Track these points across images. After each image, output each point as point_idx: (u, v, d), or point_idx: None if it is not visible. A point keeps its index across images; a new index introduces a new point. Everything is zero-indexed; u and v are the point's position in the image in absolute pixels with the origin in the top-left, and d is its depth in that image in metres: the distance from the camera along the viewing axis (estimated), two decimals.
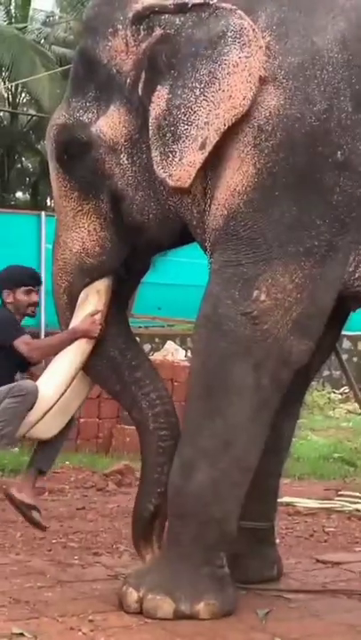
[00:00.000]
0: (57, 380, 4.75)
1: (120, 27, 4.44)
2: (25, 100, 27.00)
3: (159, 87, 4.28)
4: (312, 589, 4.80)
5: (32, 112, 25.22)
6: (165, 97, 4.25)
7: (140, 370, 4.75)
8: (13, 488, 4.99)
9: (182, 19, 4.30)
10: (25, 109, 26.64)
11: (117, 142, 4.47)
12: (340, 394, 12.89)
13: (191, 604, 4.20)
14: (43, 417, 4.76)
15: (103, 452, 8.60)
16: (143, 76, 4.32)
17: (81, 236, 4.64)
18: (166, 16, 4.34)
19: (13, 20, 26.60)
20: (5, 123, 26.58)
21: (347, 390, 13.31)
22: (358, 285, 4.26)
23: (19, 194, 29.73)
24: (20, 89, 25.73)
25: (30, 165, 28.74)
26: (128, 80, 4.41)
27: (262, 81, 4.12)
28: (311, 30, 4.16)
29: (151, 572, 4.37)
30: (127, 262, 4.71)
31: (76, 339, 4.72)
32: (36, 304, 5.29)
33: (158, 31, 4.32)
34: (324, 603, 4.61)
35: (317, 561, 5.38)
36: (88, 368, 4.78)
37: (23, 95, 26.65)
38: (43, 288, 5.51)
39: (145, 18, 4.38)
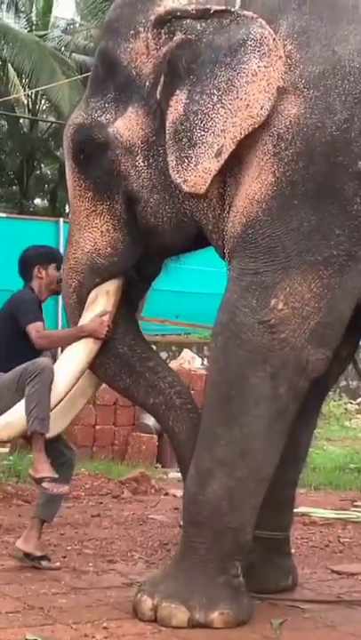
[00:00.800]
0: (63, 379, 4.76)
1: (141, 29, 4.44)
2: (45, 107, 27.08)
3: (178, 91, 4.29)
4: (327, 600, 4.78)
5: (52, 119, 25.28)
6: (183, 102, 4.26)
7: (151, 360, 4.77)
8: (20, 541, 5.09)
9: (204, 24, 4.30)
10: (44, 116, 26.72)
11: (134, 144, 4.47)
12: (357, 404, 12.89)
13: (206, 612, 4.19)
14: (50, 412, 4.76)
15: (119, 460, 8.62)
16: (162, 79, 4.33)
17: (93, 236, 4.65)
18: (188, 21, 4.33)
19: (34, 28, 26.71)
20: (25, 129, 26.68)
21: None
22: None
23: (37, 200, 29.80)
24: (39, 96, 25.82)
25: (49, 172, 28.81)
26: (147, 83, 4.42)
27: (281, 91, 4.12)
28: (333, 40, 4.15)
29: (166, 579, 4.35)
30: (139, 265, 4.72)
31: (82, 337, 4.73)
32: (61, 280, 5.22)
33: (179, 36, 4.32)
34: (339, 613, 4.59)
35: (332, 571, 5.36)
36: (95, 367, 4.79)
37: (43, 102, 26.74)
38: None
39: (167, 22, 4.38)
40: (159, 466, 8.57)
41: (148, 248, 4.65)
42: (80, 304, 4.77)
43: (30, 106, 26.56)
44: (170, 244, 4.63)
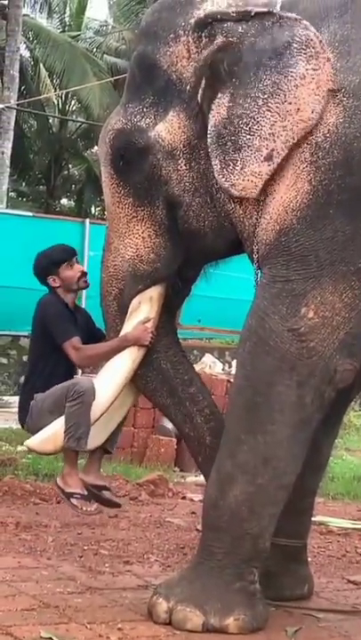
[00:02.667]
0: (108, 388, 4.71)
1: (182, 33, 4.44)
2: (75, 108, 27.18)
3: (220, 95, 4.28)
4: (342, 609, 4.76)
5: (81, 120, 25.35)
6: (226, 105, 4.25)
7: (193, 385, 4.75)
8: (81, 474, 4.95)
9: (245, 27, 4.28)
10: (74, 117, 26.81)
11: (176, 148, 4.46)
12: None
13: (221, 617, 4.18)
14: (92, 425, 4.72)
15: (137, 462, 8.61)
16: (203, 82, 4.32)
17: (135, 242, 4.62)
18: (229, 23, 4.31)
19: (67, 29, 26.83)
20: (54, 129, 26.78)
21: None
22: None
23: (64, 200, 29.90)
24: (70, 96, 25.91)
25: (76, 173, 28.89)
26: (188, 86, 4.40)
27: (331, 93, 4.10)
28: None
29: (182, 583, 4.34)
30: (180, 270, 4.69)
31: (126, 346, 4.68)
32: (85, 273, 5.17)
33: (220, 39, 4.30)
34: (355, 623, 4.57)
35: (349, 581, 5.34)
36: (137, 377, 4.76)
37: (73, 103, 26.84)
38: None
39: (207, 25, 4.36)
40: (177, 469, 8.56)
41: (190, 253, 4.63)
42: (121, 312, 4.74)
43: (60, 106, 26.68)
44: (211, 249, 4.62)
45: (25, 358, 12.78)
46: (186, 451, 8.38)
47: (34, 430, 4.92)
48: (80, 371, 5.37)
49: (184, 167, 4.47)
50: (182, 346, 5.00)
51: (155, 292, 4.68)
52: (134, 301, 4.69)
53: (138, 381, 4.78)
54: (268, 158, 4.15)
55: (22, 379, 12.71)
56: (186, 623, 4.19)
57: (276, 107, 4.13)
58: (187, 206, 4.50)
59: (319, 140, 4.10)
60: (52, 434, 4.76)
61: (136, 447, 8.77)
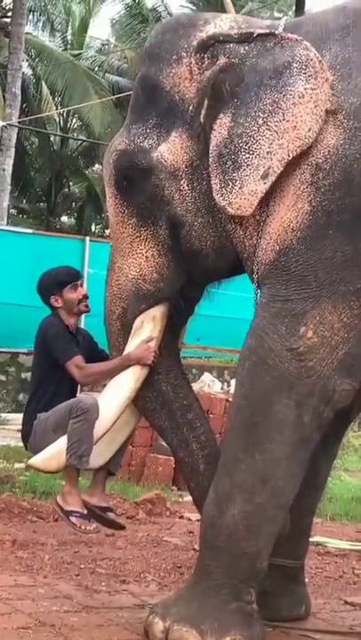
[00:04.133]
0: (110, 407, 4.70)
1: (184, 54, 4.47)
2: (76, 126, 27.29)
3: (221, 115, 4.30)
4: (339, 631, 4.76)
5: (82, 138, 25.44)
6: (227, 125, 4.27)
7: (192, 411, 4.75)
8: (85, 495, 4.93)
9: (247, 48, 4.32)
10: (75, 135, 26.91)
11: (178, 168, 4.48)
12: None
13: (217, 638, 4.15)
14: (95, 444, 4.70)
15: (135, 481, 8.60)
16: (206, 103, 4.34)
17: (138, 262, 4.63)
18: (231, 45, 4.36)
19: (69, 47, 26.95)
20: (55, 147, 26.87)
21: None
22: None
23: (64, 218, 29.97)
24: (71, 114, 26.01)
25: (77, 190, 28.97)
26: (191, 107, 4.44)
27: (329, 113, 4.13)
28: None
29: (179, 603, 4.32)
30: (183, 290, 4.70)
31: (129, 365, 4.69)
32: (87, 296, 5.16)
33: (222, 60, 4.34)
34: None
35: (346, 602, 5.34)
36: (137, 397, 4.75)
37: (74, 121, 26.95)
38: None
39: (210, 46, 4.40)
40: (175, 488, 8.55)
41: (192, 273, 4.64)
42: (124, 331, 4.74)
43: (62, 124, 26.78)
44: (213, 269, 4.63)
45: (23, 376, 12.79)
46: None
47: (37, 450, 4.90)
48: (79, 389, 5.34)
49: (186, 187, 4.49)
50: (183, 366, 4.98)
51: (158, 312, 4.69)
52: (137, 321, 4.69)
53: (138, 401, 4.77)
54: (265, 177, 4.17)
55: (21, 396, 12.74)
56: None
57: (275, 125, 4.15)
58: (189, 226, 4.51)
59: (320, 161, 4.12)
60: (56, 452, 4.74)
61: (134, 466, 8.76)
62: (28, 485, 7.64)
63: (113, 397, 4.74)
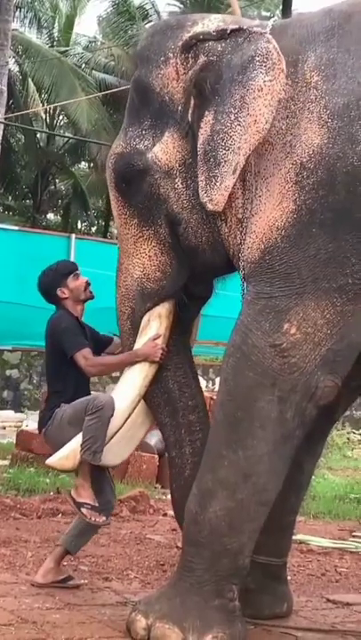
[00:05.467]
0: (122, 405, 4.76)
1: (171, 55, 4.52)
2: (62, 123, 27.22)
3: (206, 113, 4.34)
4: (321, 628, 4.76)
5: (69, 135, 25.37)
6: (210, 122, 4.31)
7: (195, 413, 4.78)
8: (38, 576, 5.06)
9: (223, 45, 4.37)
10: (62, 132, 26.83)
11: (172, 167, 4.53)
12: (360, 434, 12.86)
13: (199, 635, 4.16)
14: (109, 441, 4.78)
15: (118, 478, 8.57)
16: (192, 102, 4.39)
17: (142, 261, 4.69)
18: (210, 43, 4.40)
19: (56, 44, 26.87)
20: (42, 144, 26.80)
21: None
22: None
23: (50, 215, 29.91)
24: (58, 111, 25.95)
25: (63, 188, 28.90)
26: (180, 107, 4.48)
27: (286, 106, 4.19)
28: (359, 73, 4.16)
29: (161, 600, 4.33)
30: (187, 287, 4.75)
31: (136, 362, 4.75)
32: (89, 283, 5.27)
33: (202, 58, 4.38)
34: None
35: (328, 600, 5.35)
36: (145, 393, 4.80)
37: (61, 118, 26.88)
38: None
39: (192, 46, 4.44)
40: (159, 486, 8.55)
41: (193, 269, 4.68)
42: (134, 330, 4.80)
43: (48, 121, 26.71)
44: (211, 265, 4.66)
45: (8, 373, 12.77)
46: (167, 468, 8.40)
47: (51, 437, 5.04)
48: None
49: (181, 185, 4.53)
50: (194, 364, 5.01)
51: (163, 309, 4.74)
52: (144, 319, 4.75)
53: (145, 396, 4.82)
54: (234, 171, 4.22)
55: (5, 393, 12.72)
56: None
57: (243, 120, 4.20)
58: (185, 223, 4.56)
59: (304, 160, 4.14)
60: (71, 451, 4.81)
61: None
62: (11, 482, 7.64)
63: (123, 395, 4.80)
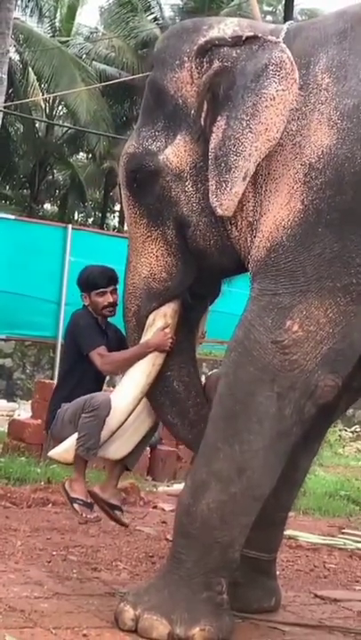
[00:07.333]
0: (124, 401, 4.87)
1: (186, 59, 4.55)
2: (62, 113, 27.20)
3: (219, 118, 4.38)
4: (308, 624, 4.77)
5: (68, 125, 25.35)
6: (222, 127, 4.34)
7: (204, 408, 4.79)
8: (98, 488, 5.15)
9: (238, 51, 4.40)
10: (61, 122, 26.81)
11: (183, 170, 4.56)
12: (352, 432, 12.87)
13: (186, 628, 4.19)
14: (112, 435, 4.91)
15: None
16: (205, 106, 4.43)
17: (149, 261, 4.73)
18: (225, 49, 4.43)
19: (57, 34, 26.84)
20: (40, 134, 26.78)
21: (358, 429, 13.30)
22: None
23: (47, 205, 29.91)
24: (57, 101, 25.92)
25: (61, 178, 28.90)
26: (193, 110, 4.51)
27: (301, 115, 4.20)
28: None
29: (150, 591, 4.35)
30: (193, 288, 4.80)
31: (148, 353, 4.82)
32: (112, 304, 5.34)
33: (217, 63, 4.41)
34: (320, 638, 4.59)
35: (316, 596, 5.35)
36: (149, 393, 4.88)
37: (60, 108, 26.87)
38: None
39: (207, 50, 4.47)
40: (150, 478, 8.55)
41: (201, 271, 4.72)
42: (139, 327, 4.86)
43: (47, 110, 26.69)
44: (218, 267, 4.71)
45: (1, 362, 12.77)
46: (159, 460, 8.41)
47: (55, 436, 5.22)
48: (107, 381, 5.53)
49: (191, 189, 4.56)
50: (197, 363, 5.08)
51: (168, 309, 4.81)
52: (150, 318, 4.82)
53: (150, 397, 4.90)
54: (245, 178, 4.26)
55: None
56: (152, 632, 4.19)
57: (255, 127, 4.23)
58: (194, 226, 4.59)
59: (313, 160, 4.16)
60: (70, 446, 5.00)
61: None
62: (2, 471, 7.62)
63: (125, 392, 4.90)
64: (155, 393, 4.88)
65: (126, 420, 4.90)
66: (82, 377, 5.22)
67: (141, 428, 5.01)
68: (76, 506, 5.05)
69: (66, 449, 5.03)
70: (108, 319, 5.41)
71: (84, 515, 5.07)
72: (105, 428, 4.89)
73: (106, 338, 5.29)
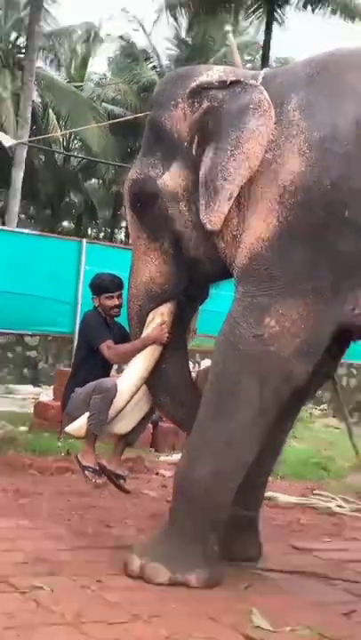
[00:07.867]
0: (131, 380, 4.91)
1: (180, 100, 4.56)
2: (77, 146, 27.16)
3: (207, 149, 4.40)
4: (286, 570, 4.77)
5: (82, 156, 25.32)
6: (210, 157, 4.36)
7: (191, 390, 4.83)
8: (105, 460, 5.16)
9: (223, 93, 4.42)
10: (76, 153, 26.77)
11: (178, 193, 4.58)
12: (320, 410, 12.86)
13: (184, 573, 4.21)
14: (118, 414, 4.94)
15: None
16: (196, 139, 4.45)
17: (150, 268, 4.77)
18: (213, 91, 4.45)
19: (72, 80, 26.81)
20: (59, 163, 26.75)
21: (325, 407, 13.30)
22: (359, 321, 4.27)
23: (65, 223, 29.87)
24: (73, 136, 25.89)
25: (76, 200, 28.87)
26: (186, 143, 4.53)
27: (276, 147, 4.23)
28: (333, 112, 4.19)
29: (153, 544, 4.37)
30: (187, 290, 4.83)
31: (148, 345, 4.85)
32: (117, 306, 5.38)
33: (206, 104, 4.43)
34: (295, 582, 4.59)
35: (293, 547, 5.35)
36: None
37: (75, 142, 26.82)
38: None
39: (198, 93, 4.49)
40: (152, 450, 8.54)
41: (193, 276, 4.76)
42: (141, 324, 4.89)
43: (65, 144, 26.64)
44: (209, 273, 4.73)
45: (27, 354, 12.75)
46: (160, 434, 8.41)
47: (70, 415, 5.20)
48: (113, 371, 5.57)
49: (184, 208, 4.58)
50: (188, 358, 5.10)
51: (165, 309, 4.84)
52: (149, 317, 4.86)
53: (148, 383, 4.92)
54: (230, 198, 4.29)
55: (25, 370, 12.71)
56: (155, 577, 4.21)
57: (239, 156, 4.25)
58: (187, 239, 4.62)
59: (287, 183, 4.17)
60: (84, 422, 5.02)
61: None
62: (29, 445, 7.61)
63: (129, 378, 4.95)
64: (153, 382, 4.91)
65: (130, 401, 4.93)
66: (92, 367, 5.24)
67: (143, 408, 5.04)
68: (87, 473, 5.09)
69: (79, 425, 5.05)
70: (115, 318, 5.44)
71: (93, 480, 5.11)
72: (112, 408, 4.91)
73: (112, 333, 5.31)
